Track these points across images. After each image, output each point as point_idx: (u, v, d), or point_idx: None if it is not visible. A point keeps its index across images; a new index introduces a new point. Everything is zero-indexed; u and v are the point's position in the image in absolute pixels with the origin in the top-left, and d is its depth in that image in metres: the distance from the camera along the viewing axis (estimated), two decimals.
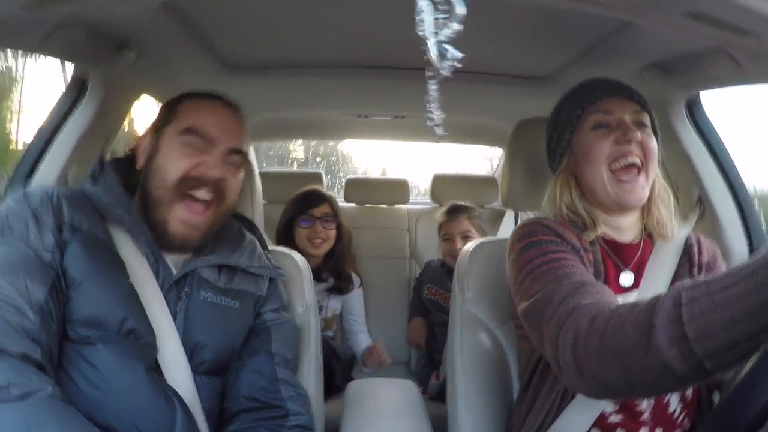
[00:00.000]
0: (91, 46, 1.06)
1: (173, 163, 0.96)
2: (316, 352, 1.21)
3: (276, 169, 3.52)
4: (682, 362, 0.59)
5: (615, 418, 0.92)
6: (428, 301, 2.17)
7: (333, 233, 2.01)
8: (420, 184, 3.06)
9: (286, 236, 2.01)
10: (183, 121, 0.98)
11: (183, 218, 0.96)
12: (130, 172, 1.04)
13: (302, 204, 2.01)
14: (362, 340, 2.07)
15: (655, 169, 0.98)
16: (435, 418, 1.70)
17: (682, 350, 0.58)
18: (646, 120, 0.99)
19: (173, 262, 1.00)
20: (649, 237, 1.03)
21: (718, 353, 0.56)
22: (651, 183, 0.98)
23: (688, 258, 1.02)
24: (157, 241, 0.97)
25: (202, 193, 0.96)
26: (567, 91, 1.07)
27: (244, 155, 1.03)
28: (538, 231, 0.96)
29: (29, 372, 0.75)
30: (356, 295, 2.13)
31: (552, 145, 1.06)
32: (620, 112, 0.97)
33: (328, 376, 1.70)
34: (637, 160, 0.95)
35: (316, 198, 2.01)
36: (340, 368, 1.86)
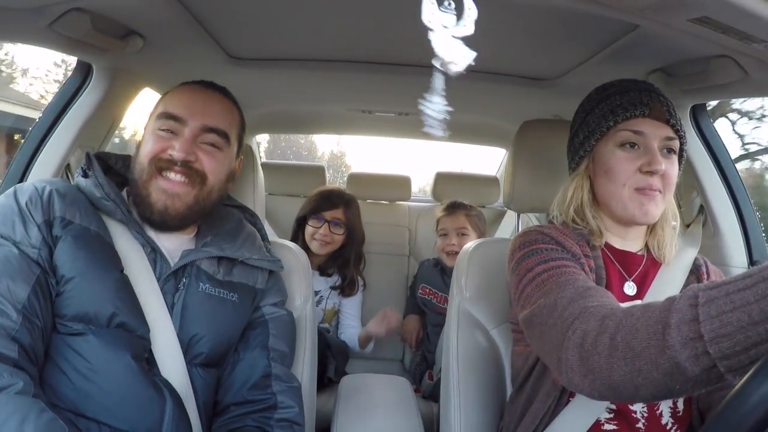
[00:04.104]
0: (96, 33, 1.06)
1: (146, 147, 0.99)
2: (311, 345, 1.21)
3: (278, 160, 3.52)
4: (694, 363, 0.58)
5: (610, 426, 0.92)
6: (422, 300, 2.17)
7: (339, 238, 2.03)
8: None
9: (298, 229, 2.07)
10: (160, 107, 1.01)
11: (162, 187, 0.97)
12: (122, 164, 1.07)
13: (316, 204, 2.05)
14: (353, 334, 2.07)
15: (671, 194, 0.98)
16: (427, 417, 1.71)
17: (697, 350, 0.58)
18: (675, 146, 0.97)
19: (172, 253, 1.00)
20: (651, 251, 1.02)
21: (732, 355, 0.55)
22: (665, 205, 0.98)
23: (696, 278, 1.01)
24: (144, 218, 0.99)
25: (173, 175, 0.97)
26: (600, 89, 1.02)
27: (223, 133, 1.02)
28: (538, 239, 0.96)
29: (2, 370, 0.76)
30: (356, 298, 2.13)
31: (575, 144, 1.04)
32: (652, 137, 0.94)
33: (321, 368, 1.71)
34: (655, 189, 0.94)
35: (329, 202, 2.04)
36: (334, 361, 1.87)
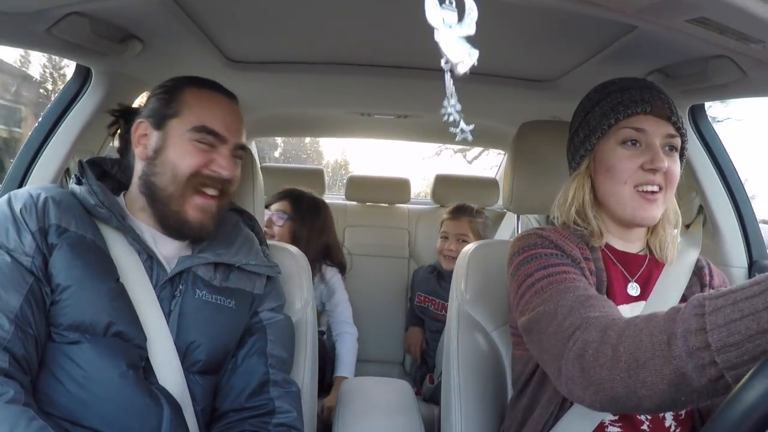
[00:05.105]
0: (95, 37, 1.06)
1: (185, 159, 0.97)
2: (312, 349, 1.20)
3: (278, 164, 3.52)
4: (700, 373, 0.57)
5: (614, 428, 0.91)
6: (419, 308, 2.17)
7: (280, 230, 1.97)
8: None
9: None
10: (192, 117, 0.98)
11: (199, 204, 0.98)
12: (117, 168, 1.07)
13: (269, 199, 2.04)
14: (346, 341, 1.96)
15: (673, 193, 0.97)
16: (428, 420, 1.71)
17: (703, 361, 0.57)
18: (677, 144, 0.96)
19: (168, 259, 1.00)
20: (653, 252, 1.02)
21: (740, 364, 0.54)
22: (666, 205, 0.97)
23: (698, 279, 1.01)
24: (169, 229, 0.99)
25: (210, 190, 0.99)
26: (600, 87, 1.01)
27: (245, 148, 1.05)
28: (537, 243, 0.95)
29: None
30: (337, 297, 2.02)
31: (575, 143, 1.02)
32: (653, 135, 0.93)
33: (320, 373, 1.70)
34: (657, 188, 0.94)
35: (278, 194, 2.04)
36: (330, 365, 1.85)
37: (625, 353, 0.66)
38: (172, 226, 0.99)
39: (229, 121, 1.01)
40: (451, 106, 0.57)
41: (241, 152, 1.04)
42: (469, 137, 0.56)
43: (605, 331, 0.71)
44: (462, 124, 0.57)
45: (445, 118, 0.57)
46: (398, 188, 2.67)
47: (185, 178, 0.96)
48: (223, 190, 1.00)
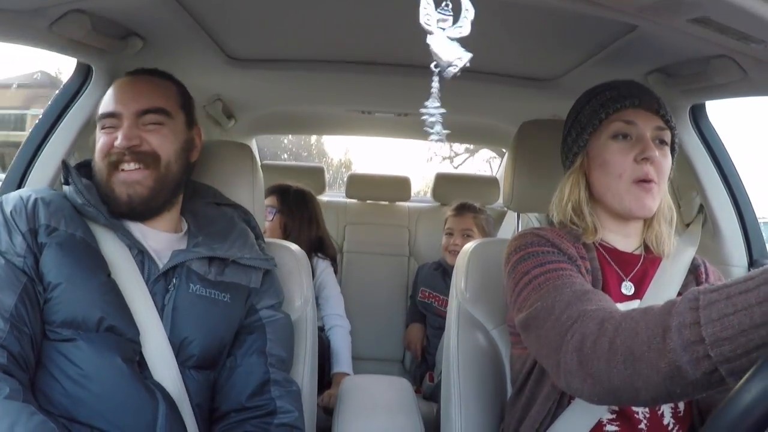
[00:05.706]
0: (95, 35, 1.07)
1: (96, 148, 1.01)
2: (312, 347, 1.20)
3: (278, 162, 3.53)
4: (695, 367, 0.58)
5: (612, 427, 0.91)
6: (422, 304, 2.17)
7: (273, 224, 1.99)
8: None
9: None
10: (98, 112, 1.04)
11: (121, 180, 0.99)
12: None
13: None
14: (339, 334, 1.95)
15: (665, 185, 0.98)
16: (427, 417, 1.71)
17: (697, 354, 0.57)
18: (667, 137, 0.98)
19: (160, 254, 1.00)
20: (648, 250, 1.02)
21: (734, 358, 0.55)
22: (661, 197, 0.98)
23: (694, 277, 1.01)
24: (115, 214, 0.99)
25: (127, 165, 0.99)
26: (591, 89, 1.04)
27: (160, 110, 1.02)
28: (534, 242, 0.96)
29: None
30: (326, 284, 2.01)
31: (568, 143, 1.04)
32: (643, 127, 0.95)
33: (320, 371, 1.70)
34: (651, 180, 0.95)
35: (268, 190, 2.03)
36: (328, 362, 1.85)
37: (622, 346, 0.67)
38: (114, 210, 0.99)
39: (124, 96, 1.02)
40: (434, 107, 0.57)
41: (152, 116, 1.01)
42: (444, 140, 0.57)
43: (602, 323, 0.72)
44: (438, 127, 0.57)
45: (425, 117, 0.57)
46: (398, 186, 2.67)
47: (100, 162, 1.00)
48: (143, 160, 0.99)
